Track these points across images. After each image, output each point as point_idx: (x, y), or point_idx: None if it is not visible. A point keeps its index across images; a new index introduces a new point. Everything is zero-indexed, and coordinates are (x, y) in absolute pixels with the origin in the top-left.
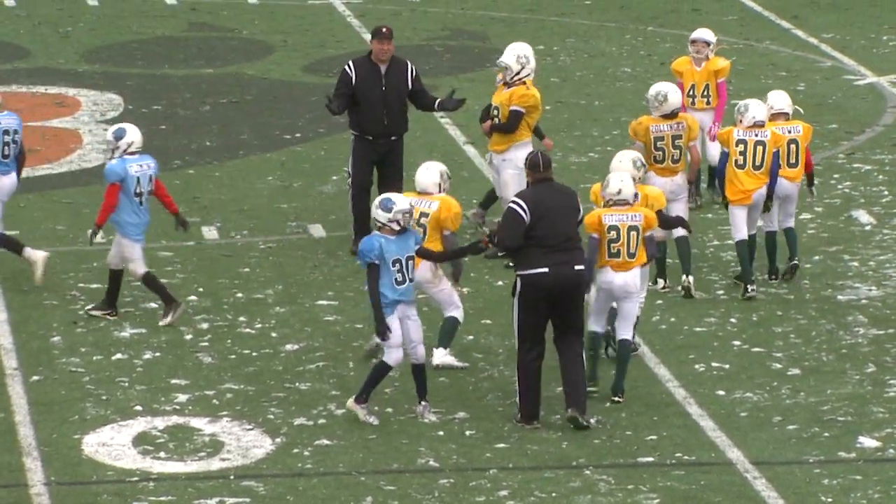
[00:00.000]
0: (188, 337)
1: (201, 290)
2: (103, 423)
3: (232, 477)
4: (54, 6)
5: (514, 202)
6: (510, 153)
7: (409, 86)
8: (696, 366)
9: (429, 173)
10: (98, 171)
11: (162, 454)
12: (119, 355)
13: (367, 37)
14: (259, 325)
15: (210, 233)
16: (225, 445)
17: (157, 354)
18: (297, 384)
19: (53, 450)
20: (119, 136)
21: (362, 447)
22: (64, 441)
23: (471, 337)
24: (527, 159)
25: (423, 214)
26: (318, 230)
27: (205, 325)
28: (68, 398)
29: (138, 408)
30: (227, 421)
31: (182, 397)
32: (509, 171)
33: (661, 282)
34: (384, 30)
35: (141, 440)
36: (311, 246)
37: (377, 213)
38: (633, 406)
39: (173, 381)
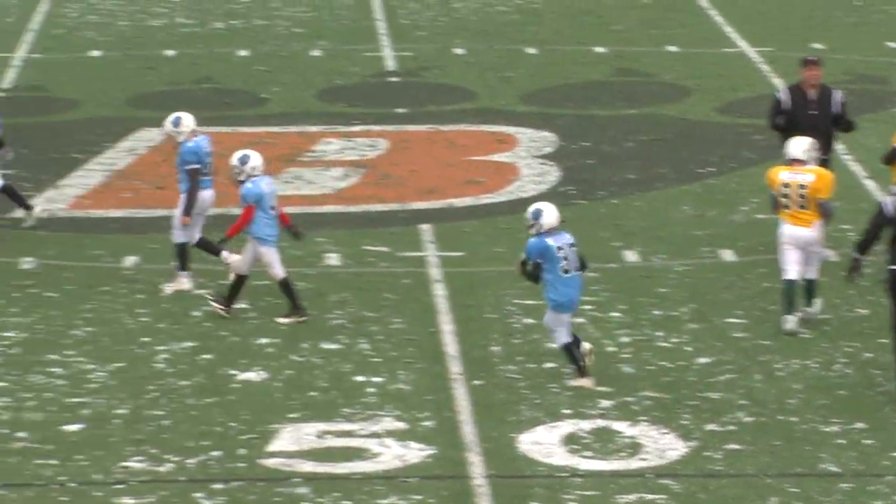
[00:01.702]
0: (611, 349)
1: (623, 307)
2: (536, 423)
3: (650, 475)
4: (497, 55)
5: None
6: None
7: (835, 110)
8: None
9: (800, 142)
10: (534, 201)
11: (587, 453)
12: (550, 364)
13: (776, 81)
14: (674, 340)
15: (631, 256)
16: (643, 447)
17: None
18: (708, 394)
19: (493, 446)
20: (244, 161)
21: (768, 452)
22: (502, 439)
23: (870, 354)
24: None
25: (800, 186)
26: (728, 255)
27: (626, 339)
28: (506, 401)
29: (567, 411)
30: (645, 425)
31: (606, 403)
32: None
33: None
34: (813, 58)
35: (569, 440)
36: (723, 269)
37: None
38: None
39: (598, 388)
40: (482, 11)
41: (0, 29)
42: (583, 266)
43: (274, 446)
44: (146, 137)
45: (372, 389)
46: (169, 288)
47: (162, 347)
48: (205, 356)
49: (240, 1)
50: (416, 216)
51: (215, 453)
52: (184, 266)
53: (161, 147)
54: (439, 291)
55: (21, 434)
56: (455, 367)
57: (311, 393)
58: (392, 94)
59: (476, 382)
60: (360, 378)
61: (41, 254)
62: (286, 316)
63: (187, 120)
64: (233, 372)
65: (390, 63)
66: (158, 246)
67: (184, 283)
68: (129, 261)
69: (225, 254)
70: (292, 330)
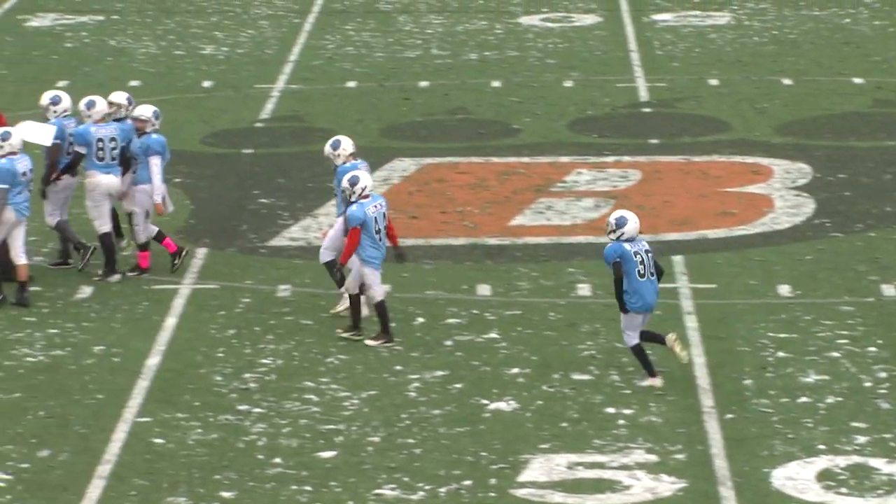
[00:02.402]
0: (867, 384)
1: (880, 342)
2: (790, 459)
3: None
4: (753, 85)
5: None
6: None
7: None
8: None
9: None
10: (788, 233)
11: (843, 490)
12: (804, 399)
13: None
14: None
15: (889, 290)
16: None
17: (839, 399)
18: None
19: (745, 481)
20: (353, 182)
21: None
22: (754, 474)
23: None
24: None
25: None
26: None
27: (883, 374)
28: (758, 435)
29: (821, 447)
30: None
31: (861, 439)
32: None
33: None
34: None
35: (824, 476)
36: None
37: None
38: None
39: (853, 424)
40: (737, 42)
41: (260, 61)
42: (660, 273)
43: (524, 477)
44: (400, 167)
45: (623, 421)
46: (340, 307)
47: (414, 376)
48: (456, 385)
49: (493, 33)
50: (669, 247)
51: (466, 482)
52: (342, 284)
53: (413, 177)
54: (691, 323)
55: (277, 460)
56: (707, 400)
57: (562, 424)
58: (645, 125)
59: (728, 416)
60: (611, 410)
61: (297, 281)
62: (375, 338)
63: (346, 144)
64: (484, 401)
65: (643, 94)
66: (409, 275)
67: (346, 302)
68: (382, 289)
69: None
70: (543, 360)
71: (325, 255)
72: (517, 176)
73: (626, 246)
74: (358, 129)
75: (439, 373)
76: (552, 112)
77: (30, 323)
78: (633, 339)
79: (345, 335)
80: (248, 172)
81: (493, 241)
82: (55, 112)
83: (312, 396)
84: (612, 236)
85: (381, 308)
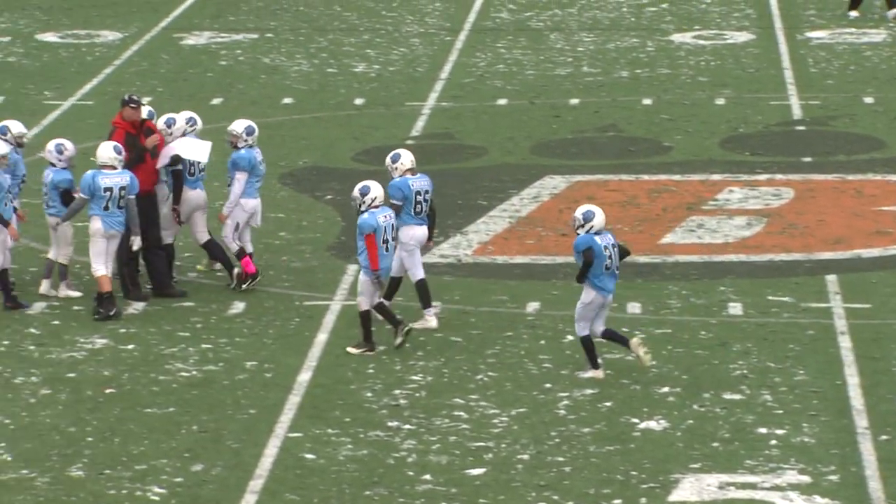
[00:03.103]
0: None
1: None
2: None
3: None
4: None
5: None
6: None
7: None
8: None
9: None
10: None
11: None
12: None
13: None
14: None
15: None
16: None
17: None
18: None
19: None
20: (364, 192)
21: None
22: None
23: None
24: None
25: None
26: None
27: None
28: None
29: None
30: None
31: None
32: None
33: None
34: None
35: None
36: None
37: None
38: None
39: None
40: (894, 59)
41: (412, 78)
42: (626, 253)
43: (675, 496)
44: (550, 185)
45: (775, 441)
46: (417, 325)
47: (564, 394)
48: (606, 403)
49: (645, 50)
50: (822, 266)
51: (616, 501)
52: (428, 303)
53: (563, 194)
54: (845, 343)
55: (426, 477)
56: (861, 422)
57: (713, 444)
58: (798, 143)
59: (883, 437)
60: (762, 430)
61: (447, 299)
62: (357, 346)
63: (405, 159)
64: (634, 420)
65: (796, 111)
66: (559, 292)
67: (430, 321)
68: (532, 306)
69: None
70: (693, 380)
71: (417, 274)
72: (668, 193)
73: (597, 239)
74: (508, 147)
75: (589, 391)
76: (704, 130)
77: (184, 338)
78: (584, 329)
79: (354, 351)
80: None
81: (643, 258)
82: (170, 134)
83: (462, 413)
84: (581, 231)
85: (364, 317)
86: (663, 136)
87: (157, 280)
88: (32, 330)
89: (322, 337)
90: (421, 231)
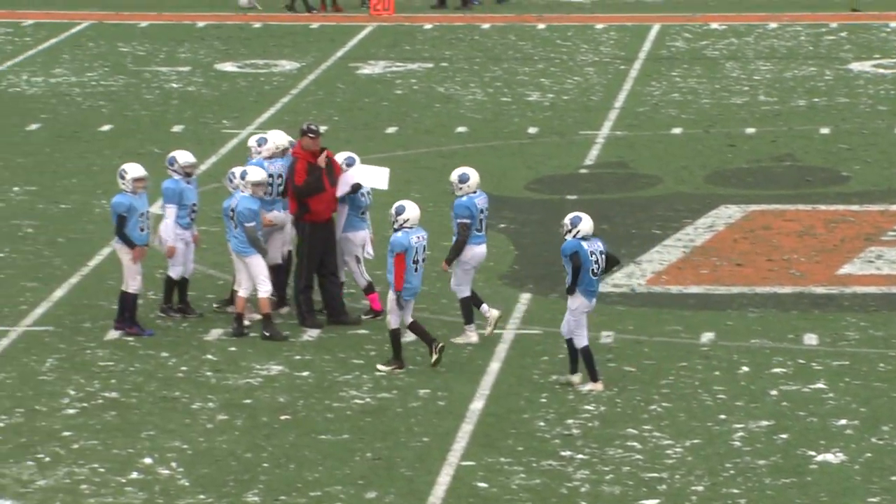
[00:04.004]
0: None
1: None
2: None
3: None
4: None
5: None
6: None
7: None
8: None
9: None
10: None
11: None
12: None
13: None
14: None
15: None
16: None
17: None
18: None
19: None
20: (399, 212)
21: None
22: None
23: None
24: None
25: None
26: None
27: None
28: None
29: None
30: None
31: None
32: None
33: None
34: None
35: None
36: None
37: None
38: None
39: None
40: None
41: (585, 107)
42: (614, 262)
43: None
44: (725, 214)
45: None
46: (459, 340)
47: (739, 425)
48: (782, 435)
49: (823, 79)
50: None
51: None
52: (470, 319)
53: (738, 224)
54: None
55: None
56: None
57: (892, 477)
58: None
59: None
60: None
61: (620, 328)
62: (387, 364)
63: (473, 181)
64: (811, 453)
65: None
66: (733, 323)
67: (471, 336)
68: (706, 337)
69: (485, 307)
70: (872, 412)
71: (463, 291)
72: (846, 224)
73: (584, 244)
74: (683, 176)
75: (764, 423)
76: (883, 159)
77: (358, 365)
78: (583, 340)
79: (384, 369)
80: None
81: (820, 289)
82: (259, 153)
83: (635, 444)
84: (569, 236)
85: (394, 335)
86: (841, 165)
87: (332, 307)
88: (210, 356)
89: (495, 366)
90: (480, 250)
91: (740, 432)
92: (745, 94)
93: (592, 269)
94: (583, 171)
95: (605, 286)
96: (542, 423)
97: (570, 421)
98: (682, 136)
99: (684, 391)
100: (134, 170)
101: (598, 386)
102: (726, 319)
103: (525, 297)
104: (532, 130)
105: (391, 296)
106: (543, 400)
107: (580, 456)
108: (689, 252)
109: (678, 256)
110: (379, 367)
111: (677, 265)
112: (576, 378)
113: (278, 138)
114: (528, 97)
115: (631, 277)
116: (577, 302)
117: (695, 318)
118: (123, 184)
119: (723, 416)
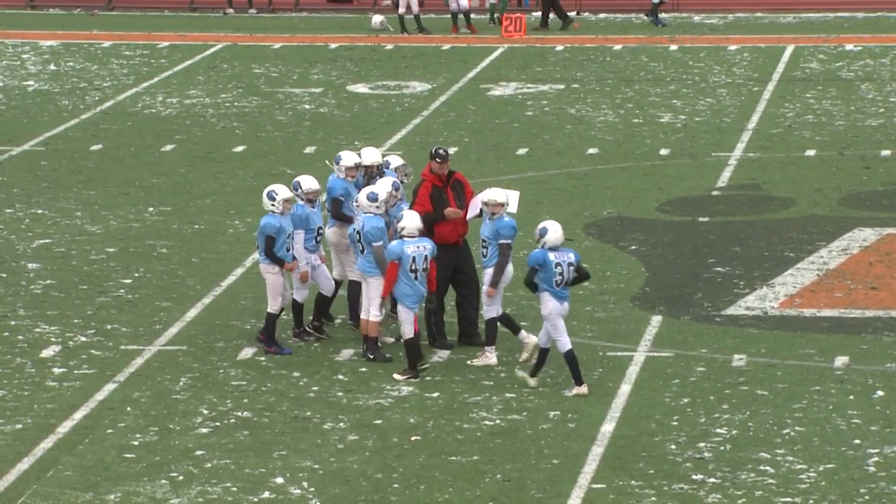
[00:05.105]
0: None
1: None
2: None
3: None
4: None
5: None
6: None
7: None
8: None
9: None
10: None
11: None
12: None
13: None
14: None
15: None
16: None
17: None
18: None
19: None
20: (398, 219)
21: None
22: None
23: None
24: None
25: None
26: None
27: None
28: None
29: None
30: None
31: None
32: None
33: None
34: None
35: None
36: None
37: None
38: None
39: None
40: None
41: (718, 129)
42: (585, 277)
43: None
44: (860, 237)
45: None
46: (477, 362)
47: (873, 450)
48: None
49: None
50: None
51: None
52: (493, 341)
53: (873, 247)
54: None
55: None
56: None
57: None
58: None
59: None
60: None
61: (753, 351)
62: (403, 373)
63: (513, 205)
64: None
65: None
66: (868, 346)
67: (490, 358)
68: (840, 360)
69: (523, 333)
70: None
71: (489, 312)
72: None
73: (550, 255)
74: (816, 198)
75: None
76: None
77: (487, 387)
78: (566, 343)
79: (401, 377)
80: (704, 240)
81: None
82: (338, 170)
83: (768, 468)
84: (538, 246)
85: (409, 344)
86: None
87: (465, 328)
88: (341, 377)
89: (625, 388)
90: (510, 268)
91: (875, 457)
92: (881, 116)
93: (556, 280)
94: (715, 192)
95: (737, 309)
96: (673, 447)
97: (701, 444)
98: (815, 158)
99: (818, 415)
100: (283, 191)
101: (583, 389)
102: (861, 343)
103: (656, 320)
104: (664, 152)
105: (400, 306)
106: (675, 423)
107: (712, 480)
108: (822, 275)
109: (811, 279)
110: (395, 375)
111: (811, 288)
112: (532, 381)
113: (348, 159)
114: (659, 118)
115: (763, 300)
116: (548, 307)
117: (828, 341)
118: (273, 205)
119: (857, 441)
